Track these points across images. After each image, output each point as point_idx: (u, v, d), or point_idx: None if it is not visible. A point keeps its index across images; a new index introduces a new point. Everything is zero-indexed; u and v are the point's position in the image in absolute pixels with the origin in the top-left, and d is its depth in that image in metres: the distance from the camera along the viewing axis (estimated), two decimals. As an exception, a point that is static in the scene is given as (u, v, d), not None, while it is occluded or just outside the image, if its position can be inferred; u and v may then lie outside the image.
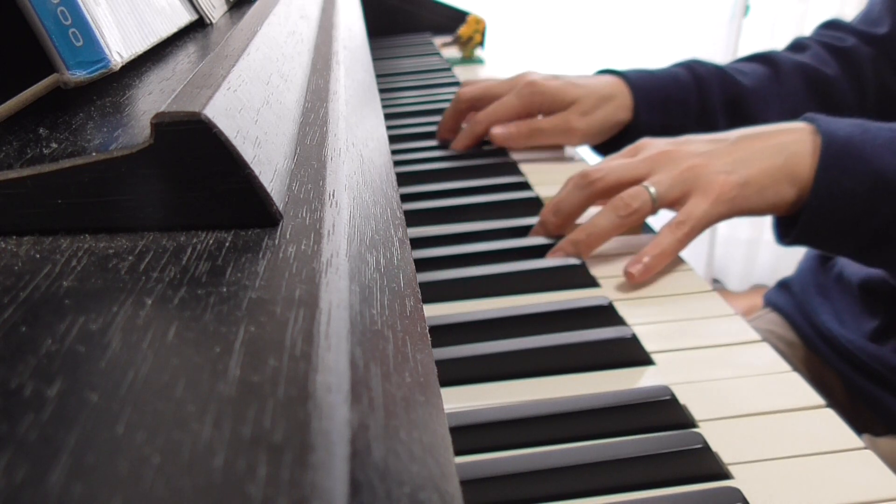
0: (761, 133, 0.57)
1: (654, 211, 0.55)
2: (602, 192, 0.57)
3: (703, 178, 0.54)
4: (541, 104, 0.75)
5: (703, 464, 0.35)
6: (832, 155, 0.53)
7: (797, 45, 0.83)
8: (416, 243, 0.57)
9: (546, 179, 0.69)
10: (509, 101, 0.76)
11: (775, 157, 0.54)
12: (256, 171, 0.25)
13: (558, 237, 0.57)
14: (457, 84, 1.00)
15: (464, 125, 0.79)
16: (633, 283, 0.52)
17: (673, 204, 0.55)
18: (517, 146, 0.76)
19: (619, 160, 0.58)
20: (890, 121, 0.69)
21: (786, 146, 0.55)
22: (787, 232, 0.57)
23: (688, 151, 0.56)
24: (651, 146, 0.59)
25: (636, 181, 0.56)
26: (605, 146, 0.78)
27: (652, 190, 0.54)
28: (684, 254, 0.55)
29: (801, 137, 0.55)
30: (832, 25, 0.84)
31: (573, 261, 0.53)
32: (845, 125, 0.55)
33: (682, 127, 0.75)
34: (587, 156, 0.77)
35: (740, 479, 0.35)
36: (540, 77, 0.75)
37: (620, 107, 0.75)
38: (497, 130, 0.75)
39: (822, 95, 0.78)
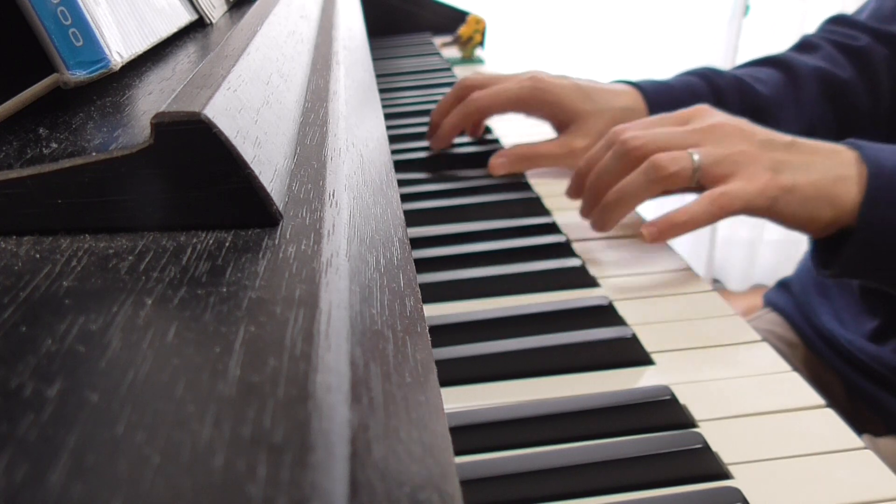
0: (813, 146, 0.53)
1: (691, 182, 0.51)
2: (640, 161, 0.52)
3: (752, 166, 0.51)
4: (541, 104, 0.69)
5: (702, 464, 0.35)
6: (878, 187, 0.51)
7: (807, 45, 0.78)
8: (416, 243, 0.57)
9: (547, 179, 0.69)
10: (509, 87, 0.69)
11: (826, 174, 0.52)
12: (256, 171, 0.25)
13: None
14: (457, 84, 1.00)
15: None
16: (647, 241, 0.51)
17: (713, 181, 0.51)
18: (516, 171, 0.70)
19: (666, 128, 0.54)
20: None
21: (834, 167, 0.52)
22: (827, 263, 0.54)
23: (747, 133, 0.53)
24: (707, 116, 0.54)
25: None
26: None
27: (696, 157, 0.50)
28: (684, 254, 0.55)
29: (848, 161, 0.52)
30: (841, 21, 0.79)
31: (573, 262, 0.53)
32: (890, 154, 0.53)
33: None
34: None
35: (740, 479, 0.35)
36: (549, 76, 0.69)
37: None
38: (495, 160, 0.69)
39: (838, 99, 0.74)
